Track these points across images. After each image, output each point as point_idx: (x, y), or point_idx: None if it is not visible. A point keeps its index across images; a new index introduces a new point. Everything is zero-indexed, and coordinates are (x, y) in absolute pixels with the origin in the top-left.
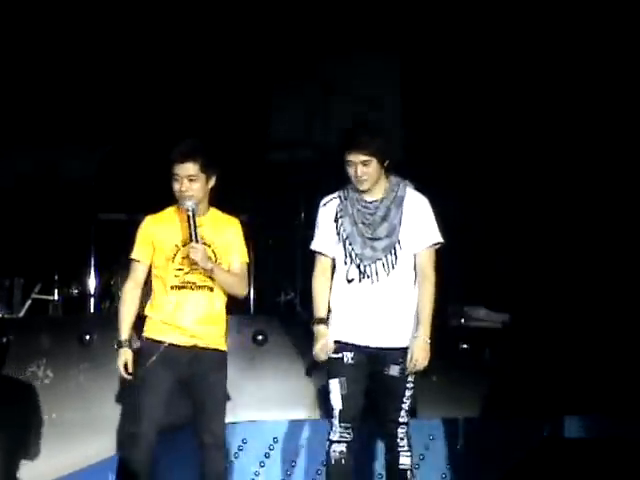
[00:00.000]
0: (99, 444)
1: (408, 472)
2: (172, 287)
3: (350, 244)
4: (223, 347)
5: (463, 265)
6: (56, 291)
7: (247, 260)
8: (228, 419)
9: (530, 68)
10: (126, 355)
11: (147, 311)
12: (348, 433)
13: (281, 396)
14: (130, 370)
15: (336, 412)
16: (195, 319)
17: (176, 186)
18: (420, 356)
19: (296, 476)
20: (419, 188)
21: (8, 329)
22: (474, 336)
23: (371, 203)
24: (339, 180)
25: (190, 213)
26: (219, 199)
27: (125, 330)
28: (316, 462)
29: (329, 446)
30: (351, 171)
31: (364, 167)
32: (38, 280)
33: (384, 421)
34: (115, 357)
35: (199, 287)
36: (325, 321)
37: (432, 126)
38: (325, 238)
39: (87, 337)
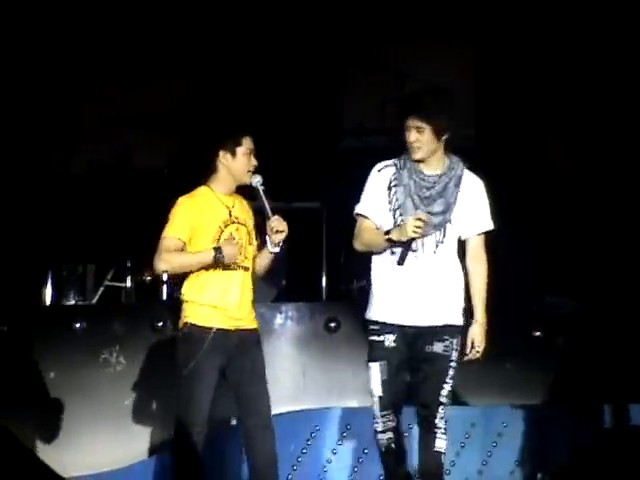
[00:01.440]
0: (170, 431)
1: (442, 456)
2: (216, 269)
3: (401, 214)
4: (257, 326)
5: (536, 252)
6: (128, 278)
7: None
8: (301, 406)
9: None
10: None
11: (187, 296)
12: (391, 420)
13: (353, 383)
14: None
15: (376, 399)
16: (239, 300)
17: (249, 161)
18: (482, 344)
19: (368, 463)
20: (474, 171)
21: (81, 316)
22: (547, 323)
23: (430, 177)
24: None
25: (262, 187)
26: (293, 186)
27: (200, 251)
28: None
29: (375, 436)
30: (406, 136)
31: (418, 134)
32: (111, 267)
33: (425, 401)
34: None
35: (240, 267)
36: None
37: (504, 116)
38: (374, 204)
39: (159, 324)
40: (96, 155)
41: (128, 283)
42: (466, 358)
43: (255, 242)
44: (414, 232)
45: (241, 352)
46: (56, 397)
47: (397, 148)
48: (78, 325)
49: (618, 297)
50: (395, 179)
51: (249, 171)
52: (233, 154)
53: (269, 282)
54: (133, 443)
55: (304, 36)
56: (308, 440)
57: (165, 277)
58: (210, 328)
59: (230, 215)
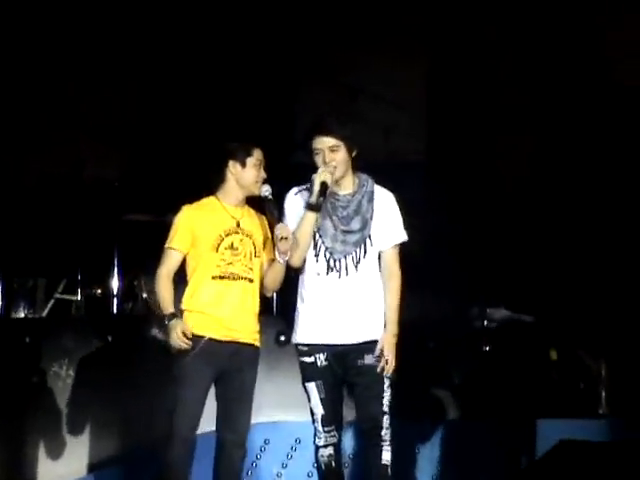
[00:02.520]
0: (123, 445)
1: (389, 469)
2: (213, 277)
3: (320, 237)
4: (258, 343)
5: (484, 267)
6: (79, 291)
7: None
8: (251, 420)
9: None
10: (180, 325)
11: (184, 304)
12: (332, 435)
13: (304, 397)
14: (189, 335)
15: (318, 417)
16: (234, 311)
17: (257, 173)
18: (390, 351)
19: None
20: (382, 184)
21: (31, 329)
22: (496, 338)
23: (343, 196)
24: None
25: (271, 196)
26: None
27: (169, 305)
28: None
29: (316, 451)
30: (319, 160)
31: (332, 153)
32: (61, 280)
33: (367, 414)
34: (138, 358)
35: (241, 278)
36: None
37: (455, 129)
38: (294, 226)
39: (109, 337)
40: (47, 167)
41: (78, 296)
42: (378, 369)
43: (265, 255)
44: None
45: (233, 365)
46: (4, 410)
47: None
48: (28, 339)
49: (569, 310)
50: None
51: (257, 182)
52: (243, 164)
53: None
54: (82, 457)
55: (257, 49)
56: (257, 454)
57: (115, 291)
58: (202, 336)
59: (238, 225)
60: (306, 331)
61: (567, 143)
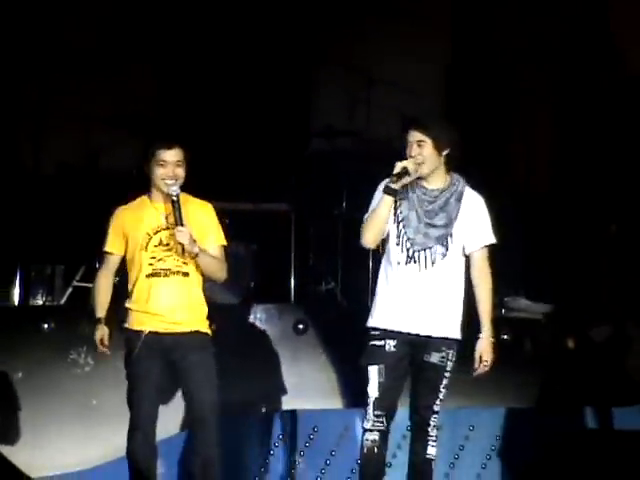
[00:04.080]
0: None
1: (433, 462)
2: (147, 275)
3: (404, 227)
4: (204, 329)
5: (504, 256)
6: None
7: (224, 243)
8: (268, 408)
9: None
10: (102, 330)
11: (126, 303)
12: (381, 422)
13: (321, 385)
14: (106, 343)
15: (372, 400)
16: (171, 306)
17: (161, 171)
18: (490, 357)
19: (335, 465)
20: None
21: (49, 316)
22: (515, 327)
23: (431, 191)
24: (381, 168)
25: (176, 197)
26: (261, 188)
27: (100, 309)
28: (355, 452)
29: (362, 434)
30: (407, 150)
31: (419, 147)
32: (79, 267)
33: (419, 407)
34: None
35: (174, 273)
36: None
37: (471, 119)
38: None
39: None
40: (65, 156)
41: None
42: (475, 373)
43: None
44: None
45: (178, 355)
46: (24, 397)
47: (365, 151)
48: (46, 325)
49: (587, 299)
50: (400, 192)
51: (163, 179)
52: (148, 163)
53: (238, 284)
54: (101, 444)
55: (272, 38)
56: (275, 442)
57: None
58: (141, 331)
59: (167, 220)
60: (382, 316)
61: (583, 133)
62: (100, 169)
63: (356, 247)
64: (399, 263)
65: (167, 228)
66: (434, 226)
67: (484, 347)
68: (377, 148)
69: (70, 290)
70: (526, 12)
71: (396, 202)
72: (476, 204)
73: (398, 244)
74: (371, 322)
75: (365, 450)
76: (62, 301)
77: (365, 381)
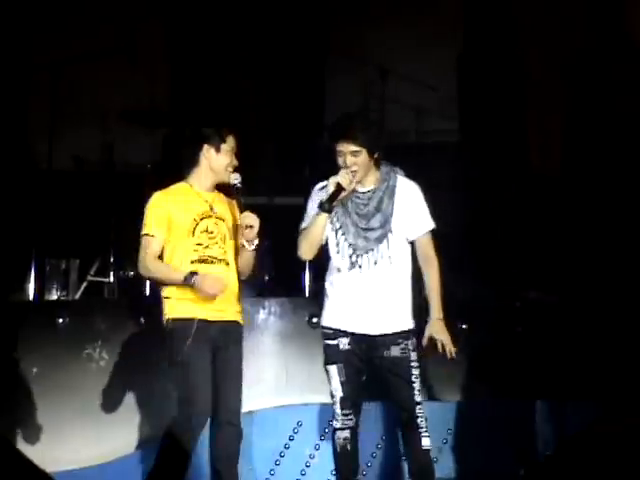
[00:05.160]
0: (156, 426)
1: (430, 453)
2: (192, 261)
3: (343, 234)
4: (241, 321)
5: (517, 247)
6: (112, 273)
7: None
8: (283, 402)
9: None
10: (207, 276)
11: (166, 292)
12: (350, 419)
13: None
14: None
15: (337, 399)
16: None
17: (228, 160)
18: (444, 336)
19: None
20: (408, 175)
21: (64, 311)
22: (527, 318)
23: (364, 194)
24: (393, 162)
25: (240, 185)
26: (276, 181)
27: (177, 271)
28: (372, 444)
29: (333, 433)
30: (340, 161)
31: (353, 157)
32: (94, 262)
33: (401, 403)
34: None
35: (219, 261)
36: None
37: (486, 110)
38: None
39: (142, 319)
40: (79, 150)
41: (111, 278)
42: (427, 354)
43: (239, 239)
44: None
45: (223, 344)
46: (39, 393)
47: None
48: (61, 320)
49: (599, 291)
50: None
51: (228, 169)
52: (217, 150)
53: (252, 278)
54: (117, 438)
55: (287, 31)
56: (290, 436)
57: None
58: (192, 319)
59: (211, 209)
60: (331, 316)
61: (598, 122)
62: (115, 163)
63: None
64: (340, 270)
65: (210, 216)
66: (372, 229)
67: (435, 329)
68: (391, 141)
69: (85, 285)
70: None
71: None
72: (410, 193)
73: (338, 252)
74: (323, 321)
75: (339, 449)
76: (77, 296)
77: (328, 380)
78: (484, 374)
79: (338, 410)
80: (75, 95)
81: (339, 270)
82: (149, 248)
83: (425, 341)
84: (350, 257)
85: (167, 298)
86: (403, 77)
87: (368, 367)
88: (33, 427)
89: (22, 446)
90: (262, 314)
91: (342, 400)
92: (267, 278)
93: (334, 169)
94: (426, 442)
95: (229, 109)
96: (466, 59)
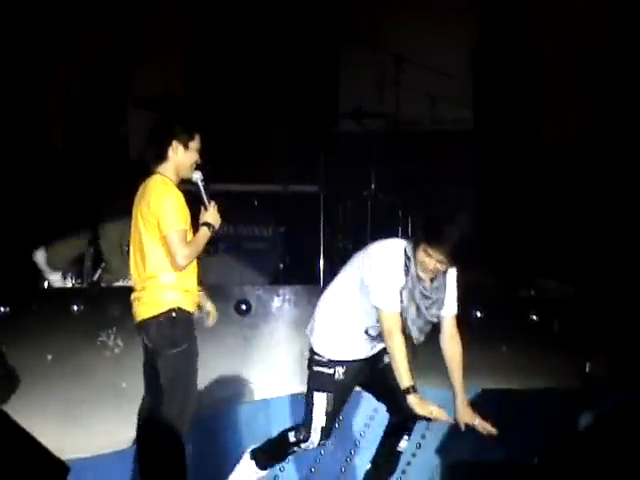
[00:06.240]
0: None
1: (401, 454)
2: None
3: (403, 314)
4: None
5: (533, 236)
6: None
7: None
8: (298, 389)
9: None
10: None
11: (176, 285)
12: (321, 444)
13: None
14: None
15: (318, 428)
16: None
17: (195, 157)
18: (478, 421)
19: (366, 445)
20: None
21: (78, 298)
22: (544, 307)
23: (430, 289)
24: (408, 150)
25: (201, 182)
26: (290, 169)
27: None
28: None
29: (295, 444)
30: (425, 261)
31: (440, 267)
32: None
33: (402, 408)
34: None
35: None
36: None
37: (502, 97)
38: (397, 295)
39: None
40: (94, 139)
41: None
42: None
43: None
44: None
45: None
46: (54, 380)
47: (394, 132)
48: (75, 308)
49: (618, 280)
50: (405, 279)
51: (192, 166)
52: (186, 147)
53: (266, 266)
54: (131, 425)
55: (300, 18)
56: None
57: None
58: (192, 312)
59: None
60: (332, 350)
61: (613, 110)
62: (130, 152)
63: (385, 228)
64: (366, 332)
65: None
66: (430, 323)
67: (465, 412)
68: (406, 129)
69: (99, 272)
70: None
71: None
72: (451, 277)
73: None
74: (320, 349)
75: (289, 451)
76: (91, 283)
77: (309, 405)
78: (499, 363)
79: (316, 439)
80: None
81: (365, 332)
82: (184, 241)
83: (462, 426)
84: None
85: (171, 289)
86: (418, 64)
87: (366, 382)
88: (48, 414)
89: (37, 433)
90: (276, 302)
91: (323, 430)
92: (281, 266)
93: (348, 155)
94: (404, 444)
95: (243, 97)
96: (481, 46)
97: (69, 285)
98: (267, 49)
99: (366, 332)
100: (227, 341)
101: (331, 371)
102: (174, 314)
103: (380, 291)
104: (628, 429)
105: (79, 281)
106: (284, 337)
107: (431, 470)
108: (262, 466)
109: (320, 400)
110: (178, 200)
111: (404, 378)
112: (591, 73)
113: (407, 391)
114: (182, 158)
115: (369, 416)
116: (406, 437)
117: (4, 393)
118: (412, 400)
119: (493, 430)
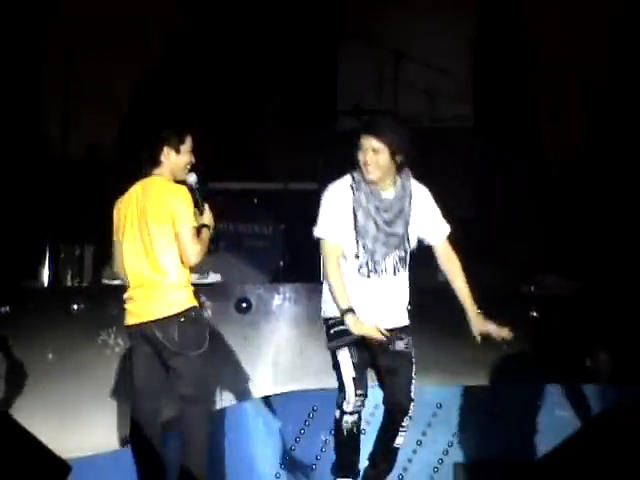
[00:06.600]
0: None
1: (398, 451)
2: None
3: (362, 237)
4: None
5: (534, 233)
6: None
7: None
8: (298, 387)
9: None
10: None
11: (185, 281)
12: (362, 402)
13: None
14: None
15: (349, 380)
16: None
17: (188, 159)
18: (492, 326)
19: (366, 444)
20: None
21: (79, 297)
22: (544, 304)
23: (387, 199)
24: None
25: (196, 184)
26: (290, 167)
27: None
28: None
29: (341, 416)
30: (361, 156)
31: (374, 154)
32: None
33: (400, 400)
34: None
35: None
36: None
37: (502, 94)
38: (337, 226)
39: None
40: (94, 138)
41: None
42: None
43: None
44: (368, 336)
45: None
46: (54, 379)
47: None
48: (76, 306)
49: (618, 277)
50: (354, 201)
51: (186, 168)
52: (177, 151)
53: (267, 263)
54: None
55: (298, 15)
56: (306, 421)
57: None
58: (202, 310)
59: None
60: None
61: (614, 104)
62: (129, 150)
63: None
64: (360, 272)
65: None
66: (394, 234)
67: (479, 321)
68: (405, 126)
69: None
70: None
71: (353, 212)
72: (426, 198)
73: (358, 256)
74: (329, 313)
75: (345, 433)
76: (91, 282)
77: (336, 366)
78: (500, 359)
79: (352, 392)
80: (90, 82)
81: (358, 272)
82: (196, 238)
83: (478, 338)
84: (367, 263)
85: (184, 287)
86: (417, 61)
87: (372, 363)
88: (48, 413)
89: (37, 432)
90: (277, 300)
91: (355, 381)
92: (282, 264)
93: (348, 155)
94: (399, 440)
95: (242, 95)
96: (480, 43)
97: (69, 284)
98: (266, 47)
99: (359, 271)
100: (227, 339)
101: (345, 327)
102: (193, 313)
103: (319, 222)
104: (629, 426)
105: (79, 279)
106: (285, 335)
107: (431, 467)
108: (351, 475)
109: (344, 356)
110: (188, 197)
111: (340, 301)
112: (592, 69)
113: (344, 313)
114: (175, 161)
115: (370, 413)
116: (402, 433)
117: (5, 392)
118: (349, 320)
119: (508, 335)
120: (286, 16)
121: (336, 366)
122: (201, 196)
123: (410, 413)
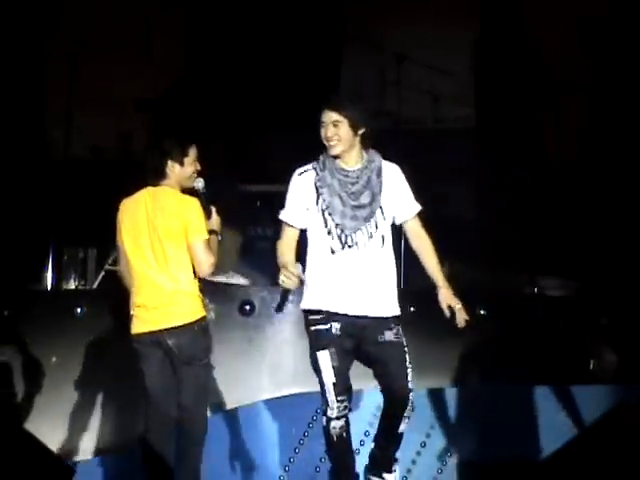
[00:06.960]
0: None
1: (402, 437)
2: None
3: (330, 214)
4: None
5: (537, 234)
6: None
7: None
8: (302, 389)
9: None
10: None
11: (197, 290)
12: (345, 407)
13: (354, 366)
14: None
15: (329, 386)
16: None
17: (194, 168)
18: (457, 302)
19: (370, 446)
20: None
21: (82, 300)
22: (547, 305)
23: (351, 172)
24: (410, 149)
25: (203, 189)
26: (292, 169)
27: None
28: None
29: (327, 423)
30: (322, 132)
31: (334, 128)
32: (111, 251)
33: (397, 389)
34: None
35: None
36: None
37: (504, 95)
38: (296, 209)
39: None
40: (96, 140)
41: None
42: (458, 323)
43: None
44: (282, 282)
45: None
46: (57, 382)
47: (396, 131)
48: (79, 310)
49: (621, 278)
50: (319, 181)
51: (192, 176)
52: (181, 164)
53: (269, 266)
54: (136, 427)
55: (302, 16)
56: (310, 423)
57: None
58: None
59: None
60: (323, 299)
61: (615, 108)
62: (132, 152)
63: None
64: (333, 251)
65: None
66: (360, 207)
67: (447, 296)
68: (408, 128)
69: (102, 274)
70: None
71: (317, 191)
72: (395, 175)
73: (329, 233)
74: (310, 304)
75: (335, 438)
76: (95, 285)
77: (316, 369)
78: (502, 360)
79: (332, 398)
80: (92, 85)
81: (332, 251)
82: (209, 248)
83: (445, 308)
84: (340, 237)
85: (197, 297)
86: (419, 63)
87: (357, 354)
88: (52, 416)
89: (41, 435)
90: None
91: (335, 386)
92: None
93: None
94: (403, 427)
95: (245, 97)
96: (483, 44)
97: (73, 287)
98: (269, 49)
99: (333, 248)
100: (231, 342)
101: (327, 326)
102: (204, 323)
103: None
104: (632, 426)
105: (82, 283)
106: (288, 338)
107: (436, 468)
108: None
109: (323, 358)
110: (200, 209)
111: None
112: (595, 70)
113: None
114: (180, 172)
115: (373, 414)
116: (405, 420)
117: (8, 395)
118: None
119: (462, 321)
120: (289, 19)
121: (316, 370)
122: (208, 201)
123: (410, 404)
